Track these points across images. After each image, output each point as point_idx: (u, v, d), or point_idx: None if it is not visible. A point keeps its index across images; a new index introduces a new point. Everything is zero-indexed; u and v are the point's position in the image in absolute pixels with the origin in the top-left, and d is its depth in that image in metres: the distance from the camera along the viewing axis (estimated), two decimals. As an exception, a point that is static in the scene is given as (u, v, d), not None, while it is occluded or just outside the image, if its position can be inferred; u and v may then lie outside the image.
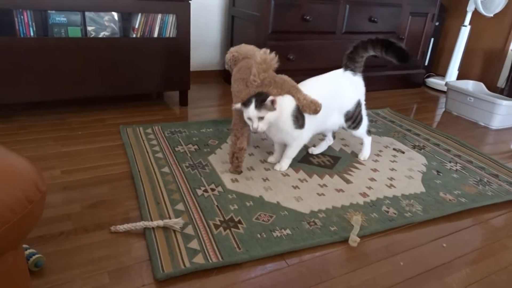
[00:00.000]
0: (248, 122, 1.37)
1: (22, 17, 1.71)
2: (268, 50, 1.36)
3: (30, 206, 0.65)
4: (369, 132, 1.70)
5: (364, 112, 1.64)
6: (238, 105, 1.39)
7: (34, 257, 0.96)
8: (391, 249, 1.18)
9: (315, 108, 1.43)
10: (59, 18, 1.79)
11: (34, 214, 0.67)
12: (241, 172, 1.52)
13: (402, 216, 1.33)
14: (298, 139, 1.50)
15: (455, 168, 1.72)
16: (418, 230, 1.29)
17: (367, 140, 1.71)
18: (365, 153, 1.72)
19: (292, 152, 1.55)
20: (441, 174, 1.66)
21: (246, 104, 1.35)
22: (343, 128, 1.64)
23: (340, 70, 1.60)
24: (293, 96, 1.43)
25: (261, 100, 1.33)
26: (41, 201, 0.69)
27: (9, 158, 0.68)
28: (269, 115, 1.34)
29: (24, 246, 1.01)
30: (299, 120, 1.43)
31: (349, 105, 1.57)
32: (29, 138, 1.69)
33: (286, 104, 1.41)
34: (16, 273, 0.74)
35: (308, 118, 1.46)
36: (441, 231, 1.30)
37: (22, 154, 0.69)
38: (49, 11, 1.76)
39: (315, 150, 1.74)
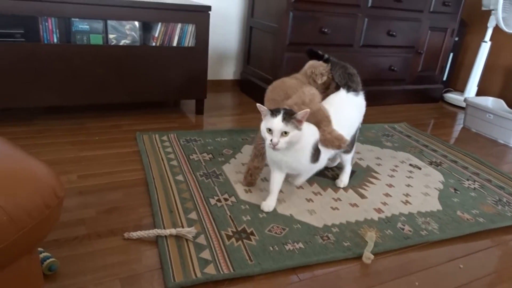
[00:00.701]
0: (266, 135, 1.20)
1: (46, 24, 1.76)
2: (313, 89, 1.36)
3: (48, 212, 0.66)
4: (352, 160, 1.60)
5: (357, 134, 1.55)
6: (263, 107, 1.22)
7: (48, 260, 0.97)
8: (405, 268, 1.16)
9: (338, 144, 1.33)
10: (82, 25, 1.83)
11: (51, 219, 0.68)
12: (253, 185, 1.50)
13: (418, 234, 1.30)
14: (310, 172, 1.38)
15: (473, 187, 1.69)
16: (434, 250, 1.26)
17: (349, 168, 1.58)
18: (344, 179, 1.57)
19: (306, 177, 1.42)
20: (458, 192, 1.63)
21: (273, 113, 1.19)
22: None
23: (343, 92, 1.48)
24: (319, 127, 1.33)
25: (290, 113, 1.19)
26: (58, 207, 0.70)
27: (29, 163, 0.70)
28: (294, 133, 1.18)
29: (39, 249, 1.02)
30: (315, 154, 1.30)
31: (354, 130, 1.49)
32: (47, 142, 1.72)
33: (309, 133, 1.28)
34: (30, 276, 0.75)
35: (325, 152, 1.35)
36: (458, 252, 1.26)
37: (40, 158, 0.70)
38: (72, 19, 1.80)
39: (330, 164, 1.71)
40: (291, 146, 1.22)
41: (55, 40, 1.80)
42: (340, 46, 2.50)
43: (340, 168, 1.65)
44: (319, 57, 1.62)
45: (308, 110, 1.18)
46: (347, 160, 1.56)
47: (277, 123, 1.17)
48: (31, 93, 1.80)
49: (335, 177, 1.63)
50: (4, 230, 0.60)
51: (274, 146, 1.18)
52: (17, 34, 1.73)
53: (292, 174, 1.40)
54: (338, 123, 1.36)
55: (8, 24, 1.72)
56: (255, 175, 1.46)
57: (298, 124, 1.19)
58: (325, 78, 1.53)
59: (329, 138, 1.32)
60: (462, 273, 1.17)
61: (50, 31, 1.77)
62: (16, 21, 1.74)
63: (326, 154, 1.37)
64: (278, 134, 1.17)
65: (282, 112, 1.18)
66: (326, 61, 1.59)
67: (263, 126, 1.22)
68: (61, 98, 1.87)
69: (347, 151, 1.52)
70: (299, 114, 1.17)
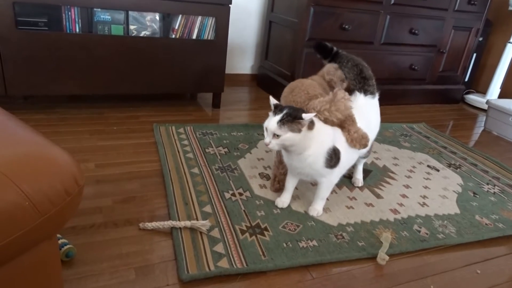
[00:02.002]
0: (265, 132, 1.16)
1: (69, 13, 1.78)
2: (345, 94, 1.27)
3: (68, 199, 0.67)
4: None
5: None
6: (274, 101, 1.18)
7: (65, 247, 0.99)
8: (421, 271, 1.14)
9: (365, 143, 1.28)
10: (104, 16, 1.85)
11: (71, 207, 0.69)
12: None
13: (435, 237, 1.28)
14: (328, 176, 1.27)
15: (492, 191, 1.65)
16: (451, 253, 1.24)
17: (361, 166, 1.57)
18: (359, 176, 1.57)
19: (323, 192, 1.31)
20: (477, 196, 1.59)
21: (275, 111, 1.14)
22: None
23: (361, 96, 1.37)
24: (343, 127, 1.27)
25: (293, 116, 1.10)
26: (79, 195, 0.70)
27: (51, 150, 0.70)
28: (287, 137, 1.11)
29: (57, 235, 1.04)
30: (332, 159, 1.22)
31: (375, 134, 1.43)
32: (67, 130, 1.75)
33: (323, 138, 1.20)
34: (49, 262, 0.76)
35: (345, 155, 1.26)
36: (475, 257, 1.24)
37: (59, 145, 0.71)
38: (95, 9, 1.82)
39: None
40: (295, 149, 1.16)
41: (77, 30, 1.82)
42: (360, 43, 2.46)
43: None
44: (327, 52, 1.44)
45: (314, 113, 1.13)
46: (361, 163, 1.56)
47: (272, 123, 1.11)
48: (53, 81, 1.83)
49: (351, 176, 1.61)
50: (27, 215, 0.61)
51: (266, 146, 1.14)
52: (40, 22, 1.76)
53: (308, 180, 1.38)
54: (364, 129, 1.30)
55: (32, 12, 1.75)
56: (282, 181, 1.41)
57: (299, 127, 1.11)
58: (345, 84, 1.44)
59: (356, 137, 1.26)
60: (479, 278, 1.14)
61: (72, 20, 1.79)
62: (39, 10, 1.77)
63: (349, 158, 1.29)
64: (271, 134, 1.12)
65: (283, 112, 1.11)
66: (335, 55, 1.42)
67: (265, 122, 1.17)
68: (81, 87, 1.89)
69: (364, 157, 1.52)
70: (305, 117, 1.10)
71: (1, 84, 1.74)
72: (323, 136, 1.19)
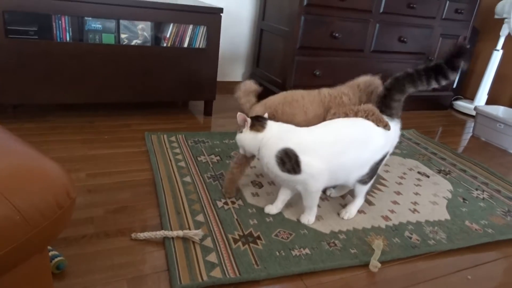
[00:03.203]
0: None
1: (60, 22, 1.77)
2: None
3: (60, 212, 0.67)
4: (366, 194, 1.40)
5: (381, 165, 1.34)
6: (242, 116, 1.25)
7: (56, 259, 0.97)
8: (413, 278, 1.15)
9: (373, 114, 1.27)
10: (94, 24, 1.85)
11: (63, 219, 0.69)
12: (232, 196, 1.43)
13: (426, 243, 1.29)
14: (300, 184, 1.22)
15: (482, 197, 1.67)
16: (442, 259, 1.25)
17: (360, 201, 1.39)
18: (351, 210, 1.38)
19: (305, 201, 1.28)
20: (467, 202, 1.61)
21: None
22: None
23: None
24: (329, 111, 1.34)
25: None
26: (71, 207, 0.70)
27: (42, 162, 0.70)
28: (237, 137, 1.29)
29: (48, 248, 1.02)
30: (286, 163, 1.18)
31: (378, 158, 1.28)
32: (58, 139, 1.73)
33: (269, 141, 1.21)
34: (40, 275, 0.76)
35: (320, 163, 1.20)
36: (466, 262, 1.25)
37: (50, 155, 0.71)
38: (86, 18, 1.82)
39: (333, 193, 1.52)
40: (246, 150, 1.29)
41: (68, 39, 1.81)
42: (350, 51, 2.49)
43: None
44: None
45: (243, 114, 1.25)
46: (361, 191, 1.36)
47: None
48: (43, 90, 1.82)
49: (343, 183, 1.62)
50: (17, 229, 0.60)
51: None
52: (30, 31, 1.75)
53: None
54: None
55: (22, 21, 1.74)
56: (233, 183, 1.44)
57: (240, 128, 1.27)
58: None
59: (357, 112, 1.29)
60: (470, 284, 1.15)
61: (63, 29, 1.79)
62: (30, 18, 1.76)
63: (332, 169, 1.22)
64: None
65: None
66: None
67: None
68: (72, 96, 1.88)
69: (364, 182, 1.31)
70: (238, 119, 1.25)
71: (-10, 93, 1.73)
72: (271, 138, 1.21)
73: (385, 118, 1.29)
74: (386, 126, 1.28)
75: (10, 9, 1.64)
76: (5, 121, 1.83)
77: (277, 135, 1.22)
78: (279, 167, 1.20)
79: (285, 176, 1.22)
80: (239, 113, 1.25)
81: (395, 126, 1.32)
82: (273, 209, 1.35)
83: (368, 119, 1.28)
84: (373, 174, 1.32)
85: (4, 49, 1.68)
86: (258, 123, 1.25)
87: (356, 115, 1.30)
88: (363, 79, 1.46)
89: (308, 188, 1.23)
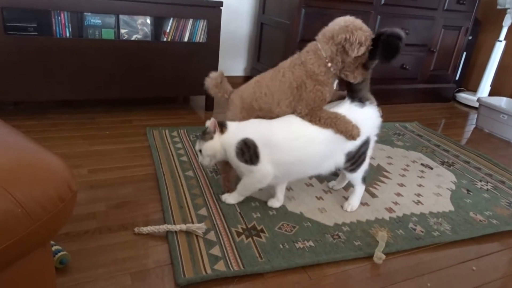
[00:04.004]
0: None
1: (59, 18, 1.77)
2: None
3: (62, 205, 0.66)
4: (364, 181, 1.36)
5: (369, 152, 1.32)
6: (209, 122, 1.26)
7: (59, 254, 0.97)
8: (417, 269, 1.14)
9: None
10: (94, 20, 1.84)
11: (65, 213, 0.68)
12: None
13: (430, 235, 1.29)
14: (248, 176, 1.25)
15: (486, 188, 1.66)
16: (446, 251, 1.24)
17: (359, 189, 1.37)
18: (353, 202, 1.38)
19: (241, 188, 1.30)
20: (471, 193, 1.60)
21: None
22: (338, 169, 1.33)
23: (347, 102, 1.26)
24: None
25: (203, 131, 1.28)
26: (72, 201, 0.69)
27: (44, 155, 0.70)
28: (205, 147, 1.25)
29: (51, 242, 1.02)
30: (245, 153, 1.21)
31: (353, 145, 1.26)
32: (59, 136, 1.73)
33: (230, 135, 1.24)
34: (43, 269, 0.75)
35: (269, 156, 1.21)
36: (470, 253, 1.25)
37: (52, 151, 0.70)
38: (85, 13, 1.81)
39: (336, 186, 1.52)
40: (217, 157, 1.27)
41: (68, 34, 1.80)
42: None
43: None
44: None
45: (208, 122, 1.25)
46: (354, 180, 1.35)
47: (196, 144, 1.30)
48: (44, 87, 1.81)
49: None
50: (19, 222, 0.60)
51: (202, 164, 1.32)
52: (30, 27, 1.74)
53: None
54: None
55: (21, 17, 1.73)
56: (230, 181, 1.42)
57: (210, 135, 1.25)
58: (363, 49, 1.15)
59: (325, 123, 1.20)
60: (475, 275, 1.15)
61: (62, 25, 1.78)
62: (28, 14, 1.75)
63: (277, 159, 1.22)
64: (199, 153, 1.29)
65: (200, 133, 1.28)
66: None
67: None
68: (72, 92, 1.88)
69: (352, 170, 1.30)
70: (207, 125, 1.25)
71: (-9, 90, 1.72)
72: (235, 131, 1.25)
73: (355, 105, 1.24)
74: (350, 136, 1.21)
75: (8, 6, 1.63)
76: (6, 119, 1.83)
77: (237, 129, 1.26)
78: (238, 157, 1.23)
79: (241, 166, 1.24)
80: (211, 119, 1.24)
81: (370, 110, 1.26)
82: (275, 202, 1.35)
83: (331, 128, 1.20)
84: (357, 162, 1.29)
85: (3, 46, 1.67)
86: (222, 125, 1.26)
87: (319, 122, 1.21)
88: (340, 24, 1.19)
89: (252, 181, 1.26)
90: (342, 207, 1.39)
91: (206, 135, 1.26)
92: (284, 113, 1.26)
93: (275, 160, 1.22)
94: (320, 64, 1.20)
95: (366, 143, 1.28)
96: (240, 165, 1.25)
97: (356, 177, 1.34)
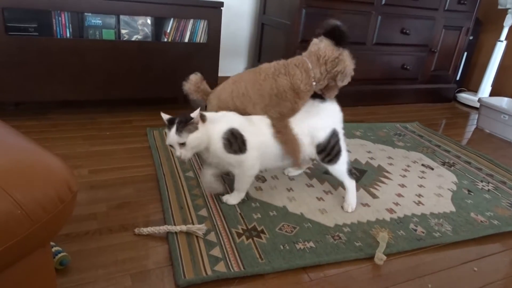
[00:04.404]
0: (171, 149, 1.22)
1: (60, 18, 1.76)
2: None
3: (62, 206, 0.66)
4: (351, 174, 1.36)
5: (343, 145, 1.34)
6: (166, 116, 1.20)
7: (59, 255, 0.97)
8: (418, 270, 1.14)
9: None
10: (94, 20, 1.84)
11: (65, 213, 0.68)
12: None
13: (431, 235, 1.28)
14: (240, 167, 1.26)
15: (487, 188, 1.66)
16: (448, 252, 1.24)
17: (350, 184, 1.37)
18: (351, 200, 1.37)
19: (239, 184, 1.32)
20: (472, 193, 1.60)
21: (169, 125, 1.18)
22: (316, 161, 1.37)
23: (310, 99, 1.33)
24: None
25: (184, 120, 1.15)
26: (72, 201, 0.69)
27: (43, 156, 0.69)
28: (191, 138, 1.15)
29: (51, 243, 1.02)
30: (232, 143, 1.21)
31: (320, 137, 1.30)
32: (59, 136, 1.73)
33: (214, 125, 1.22)
34: (43, 270, 0.75)
35: (254, 143, 1.25)
36: (472, 254, 1.24)
37: (52, 152, 0.70)
38: (85, 14, 1.81)
39: (291, 172, 1.56)
40: (201, 147, 1.21)
41: (68, 35, 1.80)
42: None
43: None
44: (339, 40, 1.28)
45: (197, 111, 1.17)
46: (339, 173, 1.35)
47: (172, 137, 1.16)
48: (44, 87, 1.81)
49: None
50: (19, 223, 0.60)
51: (180, 159, 1.19)
52: (30, 28, 1.74)
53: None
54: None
55: (21, 18, 1.73)
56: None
57: (194, 126, 1.16)
58: (349, 80, 1.31)
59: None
60: (476, 276, 1.14)
61: (63, 25, 1.78)
62: (29, 15, 1.75)
63: (268, 152, 1.28)
64: (177, 146, 1.17)
65: (176, 122, 1.16)
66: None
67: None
68: (73, 92, 1.87)
69: (330, 161, 1.33)
70: (194, 116, 1.15)
71: (-9, 90, 1.72)
72: (216, 122, 1.22)
73: (318, 100, 1.34)
74: (295, 161, 1.29)
75: (9, 6, 1.63)
76: (6, 119, 1.83)
77: (218, 119, 1.24)
78: (226, 148, 1.22)
79: (230, 158, 1.23)
80: (196, 111, 1.17)
81: (331, 106, 1.36)
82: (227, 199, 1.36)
83: (283, 144, 1.27)
84: (332, 153, 1.32)
85: (4, 46, 1.67)
86: (201, 115, 1.21)
87: (280, 131, 1.26)
88: (331, 53, 1.27)
89: (245, 170, 1.27)
90: (342, 208, 1.38)
91: (189, 126, 1.16)
92: (257, 114, 1.31)
93: (256, 145, 1.25)
94: (307, 83, 1.27)
95: (334, 135, 1.32)
96: (229, 157, 1.23)
97: (339, 169, 1.35)
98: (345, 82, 1.30)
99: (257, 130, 1.26)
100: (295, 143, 1.28)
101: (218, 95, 1.37)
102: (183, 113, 1.18)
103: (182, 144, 1.16)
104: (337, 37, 1.27)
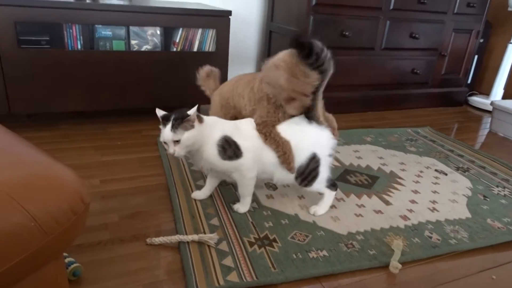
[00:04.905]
0: (164, 145, 1.18)
1: (71, 30, 1.79)
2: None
3: (74, 218, 0.66)
4: (332, 186, 1.33)
5: (323, 168, 1.27)
6: (160, 113, 1.17)
7: (72, 266, 0.97)
8: (435, 278, 1.11)
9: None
10: (105, 32, 1.86)
11: (78, 225, 0.68)
12: None
13: (447, 243, 1.26)
14: (238, 171, 1.24)
15: (503, 193, 1.62)
16: (464, 259, 1.21)
17: (328, 194, 1.34)
18: (320, 208, 1.35)
19: (243, 189, 1.30)
20: (488, 199, 1.56)
21: (163, 121, 1.15)
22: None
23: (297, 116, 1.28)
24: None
25: (180, 117, 1.13)
26: (85, 213, 0.69)
27: (56, 168, 0.70)
28: (186, 137, 1.13)
29: (63, 254, 1.02)
30: (227, 150, 1.20)
31: (299, 159, 1.25)
32: (71, 147, 1.74)
33: (210, 131, 1.20)
34: (56, 282, 0.75)
35: (247, 147, 1.23)
36: (489, 262, 1.21)
37: (64, 162, 0.70)
38: (96, 25, 1.83)
39: (198, 195, 1.41)
40: (194, 147, 1.18)
41: (79, 47, 1.83)
42: (361, 49, 2.46)
43: (362, 173, 1.61)
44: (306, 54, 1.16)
45: (195, 108, 1.15)
46: (317, 189, 1.33)
47: (167, 133, 1.13)
48: (56, 98, 1.83)
49: (358, 183, 1.60)
50: (32, 236, 0.60)
51: (173, 156, 1.17)
52: (42, 41, 1.77)
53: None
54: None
55: (34, 31, 1.76)
56: None
57: (190, 123, 1.14)
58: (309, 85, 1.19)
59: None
60: (495, 284, 1.11)
61: (74, 37, 1.80)
62: (41, 28, 1.78)
63: (262, 157, 1.25)
64: (171, 143, 1.15)
65: (172, 119, 1.13)
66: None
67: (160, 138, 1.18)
68: (84, 103, 1.89)
69: (305, 185, 1.29)
70: (191, 113, 1.13)
71: (5, 102, 1.75)
72: (210, 128, 1.21)
73: (302, 119, 1.26)
74: (287, 166, 1.24)
75: (22, 20, 1.66)
76: (19, 130, 1.85)
77: (212, 126, 1.22)
78: (220, 155, 1.20)
79: (226, 164, 1.22)
80: (194, 108, 1.15)
81: (315, 128, 1.26)
82: (200, 195, 1.38)
83: (274, 148, 1.24)
84: (308, 178, 1.27)
85: (17, 59, 1.70)
86: (198, 116, 1.19)
87: (267, 137, 1.24)
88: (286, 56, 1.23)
89: (244, 174, 1.25)
90: (308, 210, 1.36)
91: (185, 124, 1.13)
92: (249, 117, 1.33)
93: (250, 149, 1.24)
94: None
95: (314, 159, 1.25)
96: (224, 164, 1.22)
97: (318, 187, 1.31)
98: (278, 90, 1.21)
99: (247, 135, 1.25)
100: (286, 146, 1.23)
101: (220, 92, 1.46)
102: (180, 109, 1.17)
103: (177, 142, 1.14)
104: (299, 49, 1.18)
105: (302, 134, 1.26)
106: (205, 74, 1.55)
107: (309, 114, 1.26)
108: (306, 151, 1.25)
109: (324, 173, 1.29)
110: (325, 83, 1.23)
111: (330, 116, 1.38)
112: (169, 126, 1.13)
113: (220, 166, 1.23)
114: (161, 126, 1.16)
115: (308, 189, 1.31)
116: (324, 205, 1.35)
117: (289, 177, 1.28)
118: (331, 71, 1.21)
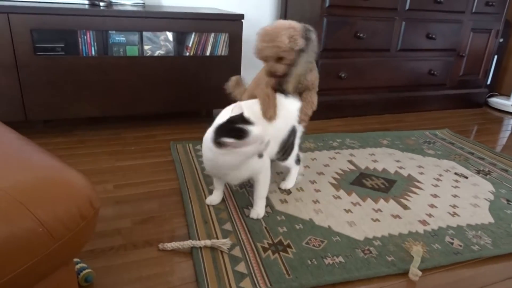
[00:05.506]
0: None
1: (85, 37, 1.81)
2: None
3: (84, 223, 0.65)
4: (298, 161, 1.48)
5: (297, 140, 1.42)
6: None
7: (84, 272, 0.96)
8: (457, 287, 1.06)
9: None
10: (118, 38, 1.87)
11: (87, 230, 0.67)
12: None
13: (469, 249, 1.20)
14: (263, 168, 1.27)
15: (527, 197, 1.56)
16: (488, 266, 1.16)
17: (294, 169, 1.48)
18: (289, 182, 1.49)
19: (264, 190, 1.30)
20: (511, 203, 1.50)
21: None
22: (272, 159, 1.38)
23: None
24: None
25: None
26: (94, 218, 0.68)
27: (66, 173, 0.69)
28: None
29: (75, 260, 1.02)
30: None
31: (283, 134, 1.34)
32: (85, 152, 1.75)
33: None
34: (67, 288, 0.74)
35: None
36: (515, 269, 1.16)
37: (78, 168, 0.69)
38: (110, 32, 1.85)
39: (213, 200, 1.40)
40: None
41: (93, 53, 1.85)
42: (376, 51, 2.42)
43: (379, 177, 1.57)
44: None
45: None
46: (288, 165, 1.45)
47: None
48: (72, 105, 1.85)
49: (375, 187, 1.56)
50: (41, 242, 0.59)
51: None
52: (57, 48, 1.79)
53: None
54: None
55: (49, 38, 1.78)
56: None
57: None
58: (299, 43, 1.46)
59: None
60: (522, 293, 1.06)
61: (88, 44, 1.82)
62: (56, 35, 1.80)
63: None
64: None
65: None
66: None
67: None
68: (99, 109, 1.91)
69: (284, 159, 1.40)
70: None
71: (21, 109, 1.77)
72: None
73: (280, 95, 1.37)
74: (265, 114, 1.31)
75: (37, 28, 1.68)
76: (35, 136, 1.88)
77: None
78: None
79: (259, 163, 1.24)
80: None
81: (292, 101, 1.38)
82: (215, 199, 1.37)
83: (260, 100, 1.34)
84: (288, 151, 1.39)
85: (33, 66, 1.72)
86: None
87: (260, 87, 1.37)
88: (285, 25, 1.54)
89: (267, 173, 1.29)
90: (279, 187, 1.48)
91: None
92: None
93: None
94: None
95: (293, 132, 1.38)
96: (258, 163, 1.23)
97: (289, 162, 1.44)
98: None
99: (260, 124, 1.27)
100: (272, 97, 1.33)
101: (248, 92, 1.61)
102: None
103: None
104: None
105: (285, 107, 1.35)
106: (234, 83, 1.69)
107: (283, 88, 1.37)
108: (288, 125, 1.36)
109: (297, 146, 1.43)
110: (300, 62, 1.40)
111: (309, 98, 1.50)
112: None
113: (257, 168, 1.25)
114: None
115: (283, 163, 1.42)
116: (292, 178, 1.50)
117: (271, 152, 1.34)
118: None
